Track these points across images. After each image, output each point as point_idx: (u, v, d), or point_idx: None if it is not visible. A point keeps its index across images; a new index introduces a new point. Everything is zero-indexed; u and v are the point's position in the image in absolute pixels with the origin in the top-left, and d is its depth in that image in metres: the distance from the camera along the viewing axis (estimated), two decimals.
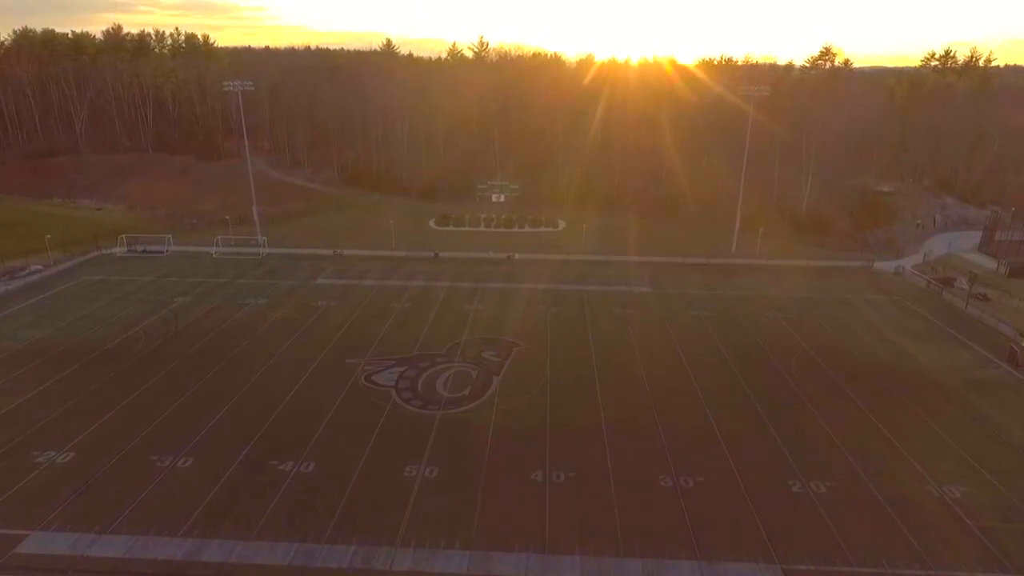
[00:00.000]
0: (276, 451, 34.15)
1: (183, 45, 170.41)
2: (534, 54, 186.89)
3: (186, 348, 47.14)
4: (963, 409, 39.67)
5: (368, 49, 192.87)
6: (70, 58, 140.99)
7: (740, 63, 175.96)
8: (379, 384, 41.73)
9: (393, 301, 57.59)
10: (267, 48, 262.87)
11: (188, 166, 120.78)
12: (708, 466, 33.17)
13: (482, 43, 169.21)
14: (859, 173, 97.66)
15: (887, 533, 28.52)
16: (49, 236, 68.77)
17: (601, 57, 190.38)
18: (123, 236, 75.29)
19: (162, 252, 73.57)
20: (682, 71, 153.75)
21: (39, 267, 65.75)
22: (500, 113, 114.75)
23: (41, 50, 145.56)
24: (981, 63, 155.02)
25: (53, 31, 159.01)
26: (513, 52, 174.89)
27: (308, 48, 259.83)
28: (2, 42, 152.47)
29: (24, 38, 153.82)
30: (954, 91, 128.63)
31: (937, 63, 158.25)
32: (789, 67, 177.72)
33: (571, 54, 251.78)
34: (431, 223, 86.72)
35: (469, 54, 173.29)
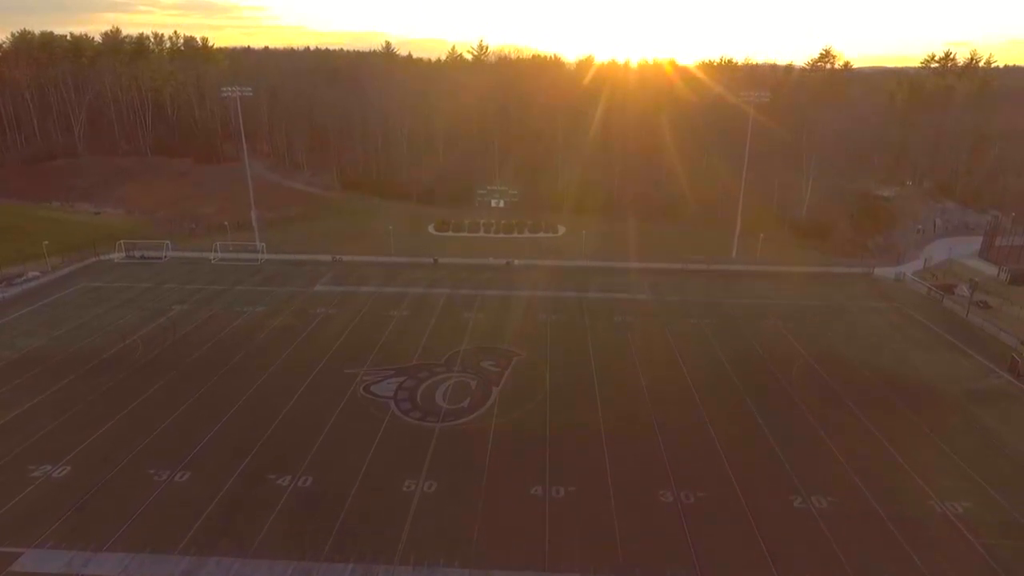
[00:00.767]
0: (274, 464, 33.93)
1: (182, 47, 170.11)
2: (533, 56, 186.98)
3: (184, 357, 46.92)
4: (965, 421, 39.45)
5: (368, 50, 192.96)
6: (69, 60, 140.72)
7: (740, 64, 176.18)
8: (378, 395, 41.53)
9: (392, 308, 57.39)
10: (266, 49, 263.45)
11: (187, 169, 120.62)
12: (709, 480, 32.95)
13: (481, 47, 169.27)
14: (859, 177, 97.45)
15: (890, 550, 28.31)
16: (47, 242, 68.51)
17: (601, 59, 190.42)
18: (121, 242, 75.10)
19: (160, 258, 73.35)
20: (682, 72, 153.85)
21: (36, 274, 65.50)
22: (500, 114, 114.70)
23: (39, 52, 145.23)
24: (982, 64, 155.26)
25: (51, 33, 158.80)
26: (513, 55, 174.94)
27: (308, 49, 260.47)
28: (0, 44, 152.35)
29: (22, 40, 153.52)
30: (954, 93, 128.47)
31: (937, 65, 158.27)
32: (789, 69, 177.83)
33: (571, 56, 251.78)
34: (430, 228, 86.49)
35: (469, 57, 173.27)
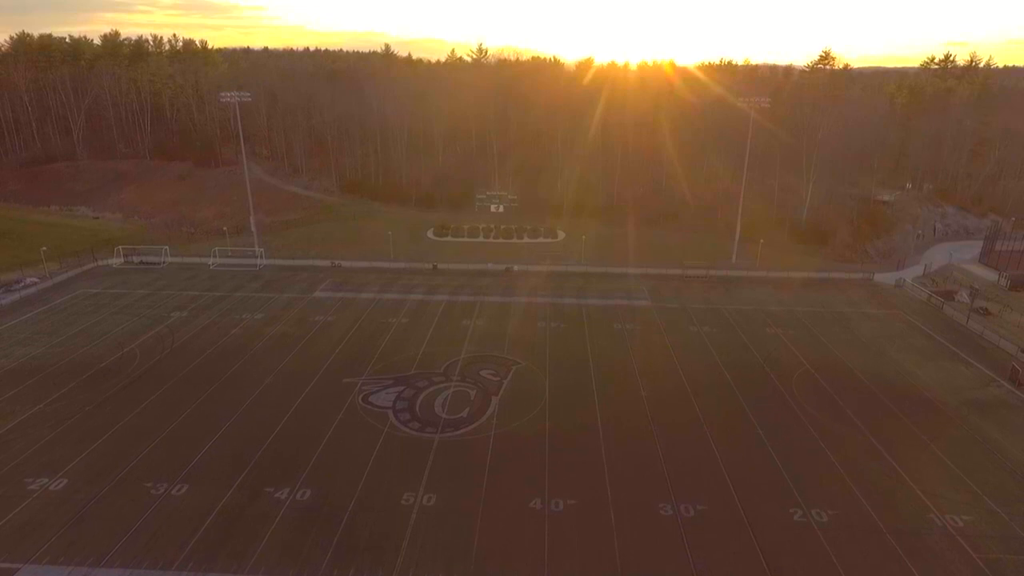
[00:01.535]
0: (272, 477, 33.76)
1: (180, 49, 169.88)
2: (533, 58, 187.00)
3: (182, 367, 46.74)
4: (965, 432, 39.33)
5: (367, 51, 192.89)
6: (67, 64, 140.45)
7: (740, 65, 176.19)
8: (376, 405, 41.35)
9: (391, 316, 57.23)
10: (266, 50, 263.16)
11: (186, 173, 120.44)
12: (709, 493, 32.81)
13: (481, 50, 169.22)
14: (859, 181, 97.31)
15: (890, 565, 28.17)
16: (45, 248, 68.32)
17: (600, 60, 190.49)
18: (120, 247, 74.94)
19: (159, 264, 73.19)
20: (681, 73, 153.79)
21: (35, 279, 65.37)
22: (499, 115, 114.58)
23: (38, 56, 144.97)
24: (981, 65, 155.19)
25: (50, 36, 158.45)
26: (512, 58, 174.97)
27: (307, 50, 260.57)
28: None
29: (21, 43, 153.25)
30: (954, 96, 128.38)
31: (937, 67, 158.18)
32: (789, 71, 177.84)
33: (570, 57, 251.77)
34: (429, 233, 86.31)
35: (468, 59, 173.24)
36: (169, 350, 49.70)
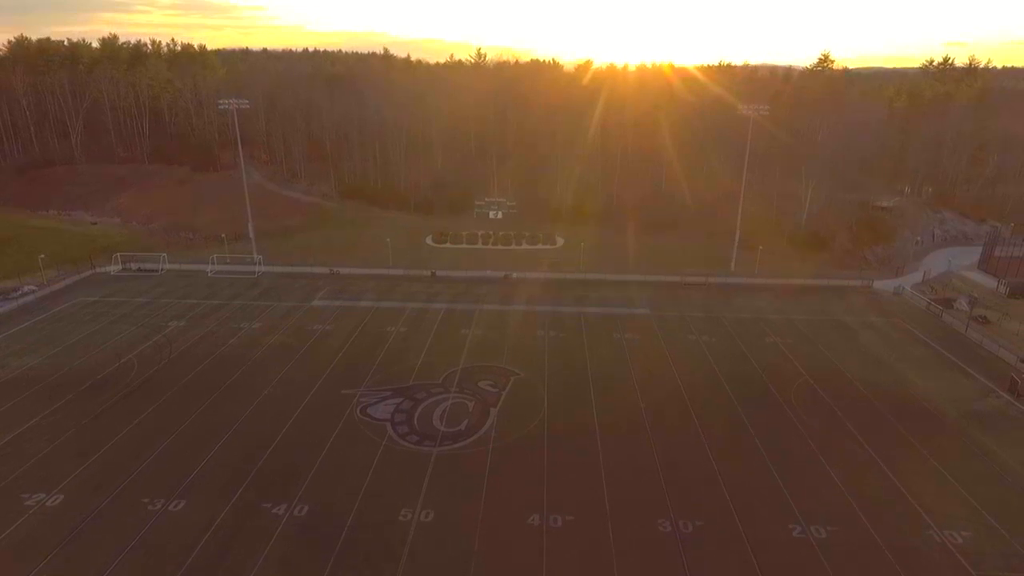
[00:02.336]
0: (269, 492, 33.64)
1: (179, 52, 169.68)
2: (532, 60, 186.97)
3: (179, 377, 46.62)
4: (965, 444, 39.26)
5: (366, 52, 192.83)
6: (66, 67, 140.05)
7: (739, 67, 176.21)
8: (375, 418, 41.25)
9: (389, 324, 57.12)
10: (264, 51, 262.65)
11: (185, 177, 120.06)
12: (707, 509, 32.72)
13: (480, 54, 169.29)
14: (859, 186, 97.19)
15: None
16: (43, 255, 68.19)
17: (599, 62, 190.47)
18: (118, 254, 74.80)
19: (157, 271, 73.06)
20: (681, 73, 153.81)
21: (33, 287, 65.22)
22: (498, 117, 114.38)
23: (36, 59, 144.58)
24: (981, 67, 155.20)
25: (48, 39, 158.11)
26: (511, 61, 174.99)
27: (306, 51, 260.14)
28: None
29: (19, 47, 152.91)
30: (953, 100, 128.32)
31: (936, 69, 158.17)
32: (788, 74, 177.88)
33: (569, 59, 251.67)
34: (428, 240, 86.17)
35: (467, 63, 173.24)
36: (167, 361, 49.58)
